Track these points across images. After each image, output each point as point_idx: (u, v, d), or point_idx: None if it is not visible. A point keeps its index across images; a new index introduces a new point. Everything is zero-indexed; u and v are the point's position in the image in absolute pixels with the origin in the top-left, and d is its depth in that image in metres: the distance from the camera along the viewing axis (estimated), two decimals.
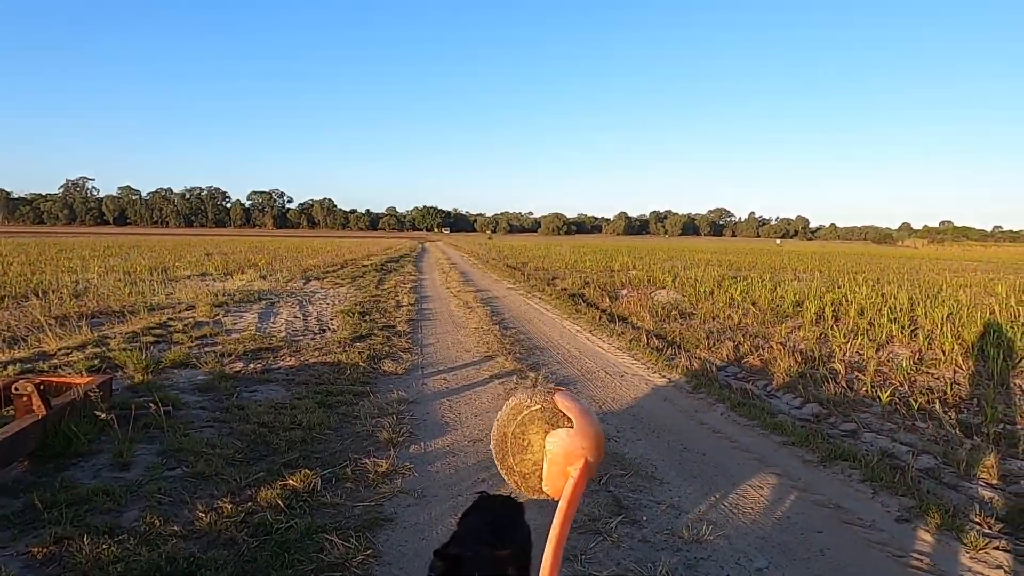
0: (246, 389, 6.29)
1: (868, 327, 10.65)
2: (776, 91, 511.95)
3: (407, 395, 6.28)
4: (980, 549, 3.42)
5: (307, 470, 4.14)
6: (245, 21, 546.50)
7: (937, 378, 7.50)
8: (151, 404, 4.84)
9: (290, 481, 3.98)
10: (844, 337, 9.70)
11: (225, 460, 4.30)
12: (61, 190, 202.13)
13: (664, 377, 7.47)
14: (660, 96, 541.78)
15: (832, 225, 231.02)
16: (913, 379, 7.39)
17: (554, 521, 1.43)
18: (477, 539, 2.21)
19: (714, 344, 9.49)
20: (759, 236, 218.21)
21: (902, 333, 9.94)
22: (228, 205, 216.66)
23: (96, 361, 6.93)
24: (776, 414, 6.00)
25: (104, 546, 3.10)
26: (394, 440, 4.91)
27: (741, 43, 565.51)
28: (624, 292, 17.28)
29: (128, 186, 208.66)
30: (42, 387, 4.33)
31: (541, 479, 1.55)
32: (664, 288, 17.82)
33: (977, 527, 3.66)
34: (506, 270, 25.73)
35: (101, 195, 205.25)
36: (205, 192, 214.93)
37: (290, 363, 7.50)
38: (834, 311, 12.42)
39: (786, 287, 16.75)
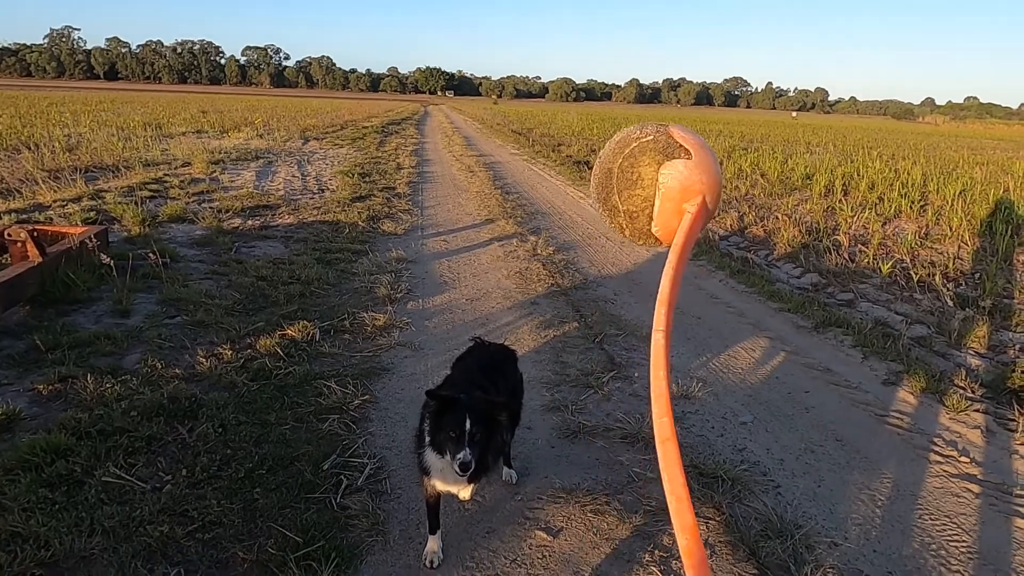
0: (244, 244, 6.26)
1: (877, 202, 10.43)
2: None
3: (406, 254, 6.26)
4: (961, 411, 3.51)
5: (305, 321, 4.18)
6: None
7: (941, 253, 7.43)
8: (149, 255, 4.81)
9: (289, 331, 4.03)
10: (852, 211, 9.52)
11: (224, 310, 4.34)
12: (46, 40, 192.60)
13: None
14: None
15: (852, 99, 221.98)
16: (916, 253, 7.32)
17: (667, 263, 1.31)
18: (469, 382, 2.24)
19: (718, 214, 9.34)
20: (775, 108, 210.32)
21: (911, 209, 9.75)
22: (223, 61, 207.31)
23: (92, 214, 6.86)
24: (775, 282, 6.00)
25: (108, 385, 3.18)
26: (392, 296, 4.94)
27: None
28: None
29: (116, 37, 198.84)
30: (36, 234, 4.28)
31: (651, 218, 1.43)
32: None
33: (961, 391, 3.74)
34: (511, 135, 24.98)
35: (88, 46, 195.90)
36: (198, 46, 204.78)
37: (288, 221, 7.43)
38: (844, 185, 12.12)
39: (797, 160, 16.27)
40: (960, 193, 10.87)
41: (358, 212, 7.93)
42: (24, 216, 6.68)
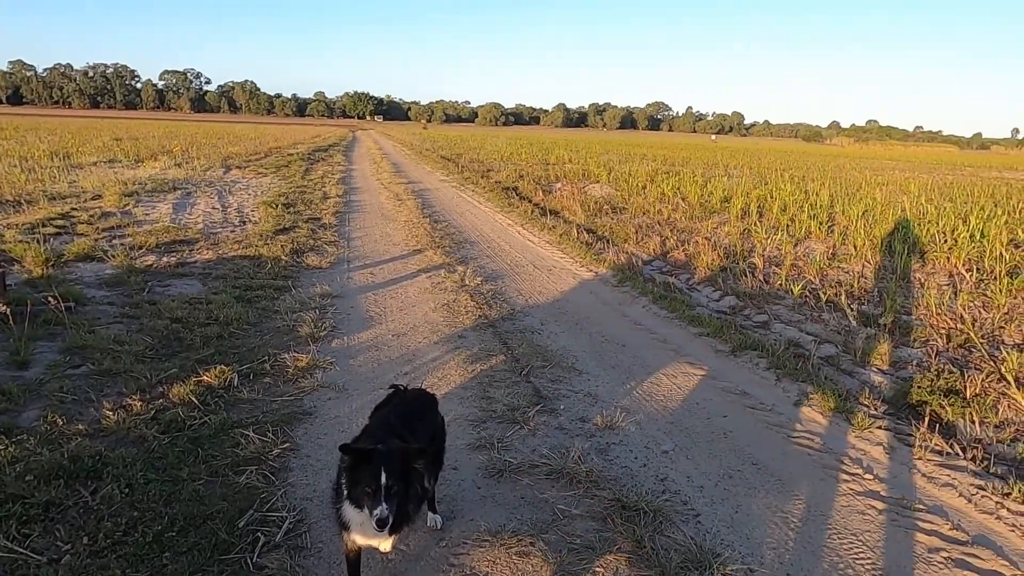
0: (159, 284, 5.99)
1: (789, 223, 11.02)
2: None
3: (331, 289, 6.15)
4: (865, 429, 3.72)
5: (223, 366, 4.03)
6: None
7: (847, 272, 7.90)
8: (50, 299, 4.53)
9: (204, 377, 3.87)
10: (766, 233, 10.02)
11: (134, 357, 4.13)
12: None
13: (591, 271, 7.57)
14: None
15: (766, 122, 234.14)
16: (825, 273, 7.75)
17: None
18: (388, 432, 2.21)
19: (642, 239, 9.63)
20: (695, 131, 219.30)
21: (820, 229, 10.34)
22: (139, 85, 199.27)
23: None
24: (695, 307, 6.21)
25: (0, 447, 2.96)
26: (316, 334, 4.83)
27: None
28: (558, 186, 17.16)
29: (20, 60, 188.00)
30: None
31: None
32: (598, 182, 17.79)
33: (865, 409, 3.97)
34: (440, 161, 25.04)
35: None
36: (111, 70, 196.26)
37: (207, 256, 7.17)
38: (759, 207, 12.75)
39: (716, 183, 16.99)
40: (863, 214, 11.60)
41: (281, 245, 7.74)
42: None
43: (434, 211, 11.73)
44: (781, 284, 7.12)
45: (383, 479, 1.91)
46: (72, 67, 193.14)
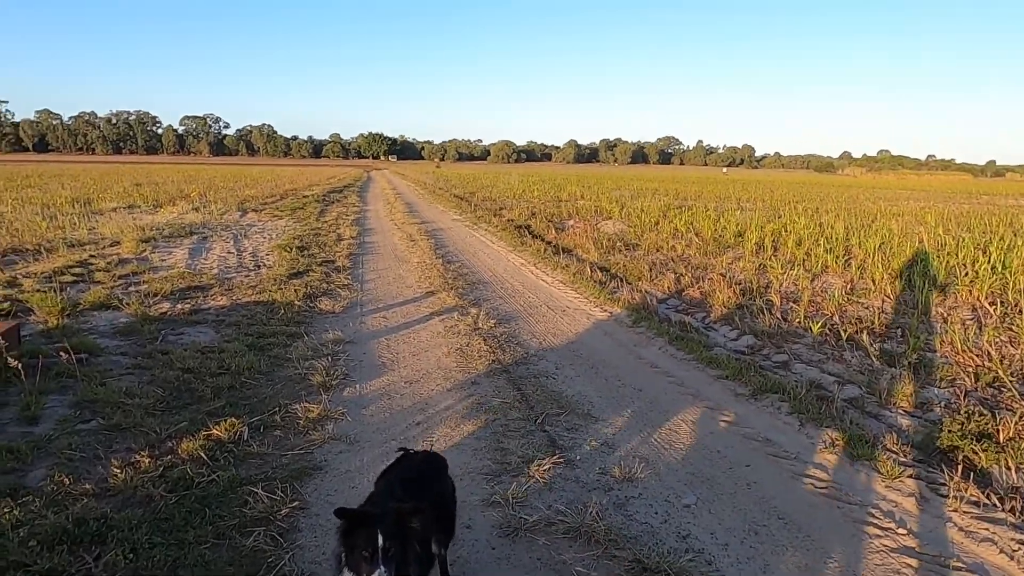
0: (172, 332, 5.99)
1: (805, 257, 10.91)
2: (724, 20, 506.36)
3: (343, 335, 6.11)
4: (895, 478, 3.56)
5: (233, 418, 3.97)
6: None
7: (866, 307, 7.76)
8: (61, 352, 4.53)
9: (214, 431, 3.81)
10: (782, 268, 9.90)
11: (144, 410, 4.08)
12: None
13: (606, 311, 7.49)
14: (611, 24, 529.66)
15: (776, 154, 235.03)
16: (844, 309, 7.61)
17: None
18: (392, 499, 2.13)
19: (656, 276, 9.55)
20: (707, 164, 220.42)
21: (836, 263, 10.22)
22: (160, 131, 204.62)
23: (6, 304, 6.46)
24: (712, 347, 6.09)
25: (5, 510, 2.91)
26: (327, 383, 4.77)
27: None
28: (571, 223, 17.20)
29: (47, 110, 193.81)
30: None
31: None
32: (611, 219, 17.82)
33: (893, 456, 3.81)
34: (453, 200, 25.26)
35: (17, 119, 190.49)
36: (133, 117, 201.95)
37: (221, 303, 7.18)
38: (773, 241, 12.66)
39: (729, 217, 16.94)
40: (880, 246, 11.47)
41: (295, 290, 7.75)
42: None
43: (447, 251, 11.75)
44: (799, 321, 6.98)
45: (379, 540, 1.84)
46: (96, 115, 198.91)
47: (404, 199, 26.52)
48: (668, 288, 8.87)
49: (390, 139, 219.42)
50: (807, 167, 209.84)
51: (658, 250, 12.24)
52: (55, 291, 6.79)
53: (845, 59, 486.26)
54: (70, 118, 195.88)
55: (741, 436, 4.14)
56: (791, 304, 7.74)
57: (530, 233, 14.71)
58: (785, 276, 9.43)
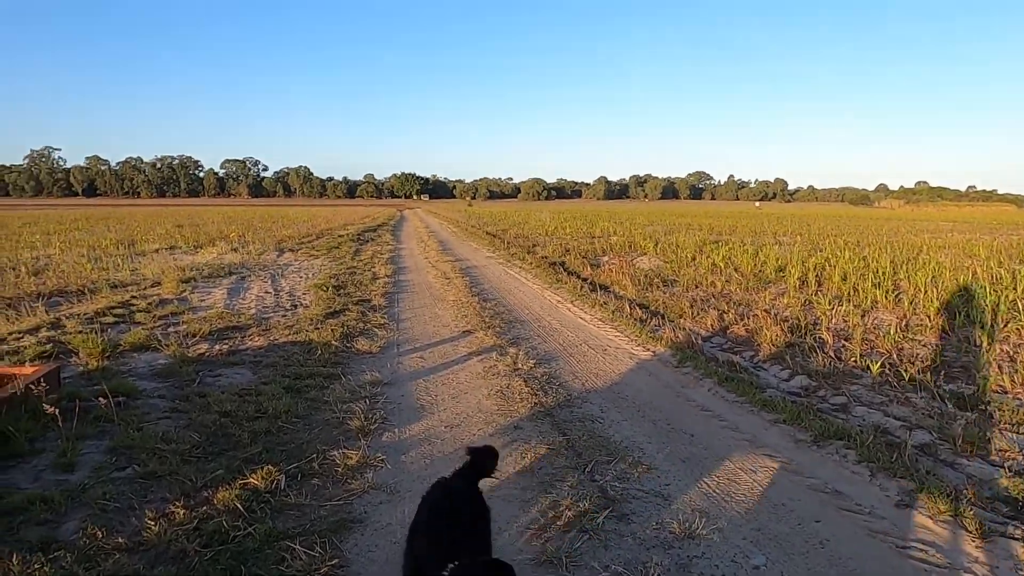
0: (210, 373, 5.93)
1: (852, 292, 10.52)
2: (753, 55, 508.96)
3: (381, 376, 5.97)
4: (986, 538, 3.23)
5: (270, 466, 3.83)
6: None
7: (924, 345, 7.36)
8: (100, 399, 4.47)
9: (251, 479, 3.67)
10: (829, 304, 9.54)
11: (180, 457, 3.97)
12: (26, 161, 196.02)
13: (648, 350, 7.23)
14: (639, 61, 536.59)
15: (810, 187, 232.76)
16: (901, 347, 7.24)
17: None
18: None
19: (698, 313, 9.27)
20: (738, 199, 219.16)
21: (886, 298, 9.81)
22: (201, 174, 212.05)
23: (48, 346, 6.51)
24: (765, 388, 5.79)
25: (36, 565, 2.78)
26: (366, 428, 4.61)
27: (719, 4, 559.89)
28: (605, 259, 17.02)
29: (96, 156, 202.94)
30: None
31: None
32: (646, 254, 17.60)
33: (980, 511, 3.48)
34: (485, 238, 25.32)
35: (68, 165, 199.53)
36: (177, 161, 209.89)
37: (258, 343, 7.14)
38: (817, 276, 12.28)
39: (768, 252, 16.58)
40: (931, 280, 11.02)
41: (331, 330, 7.68)
42: None
43: (482, 289, 11.64)
44: (855, 360, 6.64)
45: None
46: (142, 159, 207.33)
47: (437, 237, 26.69)
48: (712, 326, 8.58)
49: (422, 179, 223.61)
50: (842, 200, 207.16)
51: (697, 286, 11.96)
52: (97, 332, 6.83)
53: (879, 91, 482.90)
54: (117, 163, 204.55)
55: (807, 487, 3.84)
56: (843, 342, 7.39)
57: (565, 270, 14.56)
58: (833, 312, 9.07)
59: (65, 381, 5.37)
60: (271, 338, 7.39)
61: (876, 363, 6.18)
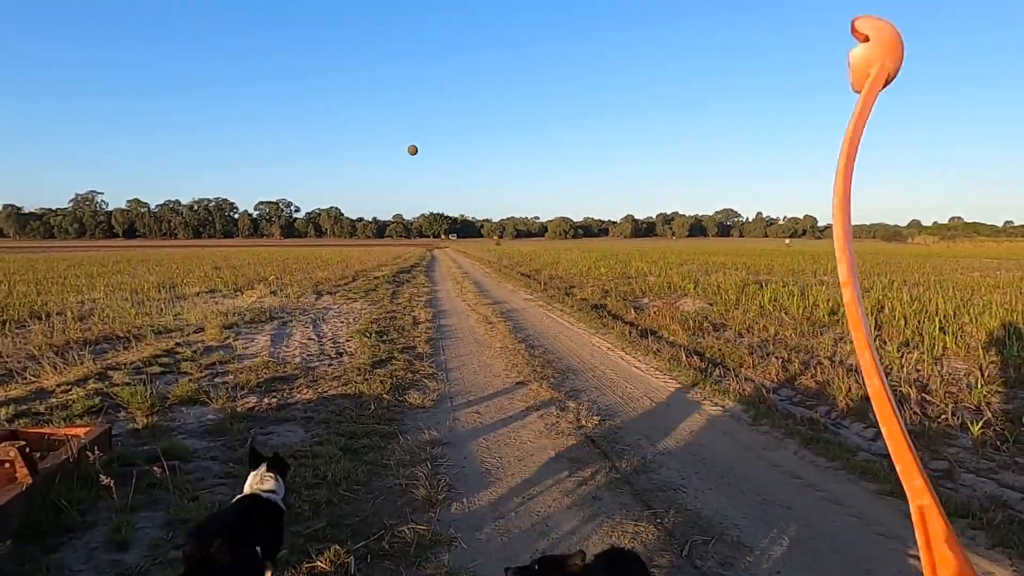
0: (261, 431, 5.68)
1: (916, 337, 9.96)
2: (780, 90, 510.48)
3: (439, 434, 5.65)
4: None
5: (336, 545, 3.51)
6: (245, 24, 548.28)
7: (1014, 398, 6.82)
8: (155, 468, 4.22)
9: (318, 563, 3.35)
10: (897, 351, 9.01)
11: None
12: (71, 204, 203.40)
13: (716, 405, 6.80)
14: (664, 98, 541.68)
15: None
16: (988, 401, 6.71)
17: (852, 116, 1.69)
18: None
19: (759, 361, 8.82)
20: (767, 236, 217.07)
21: (957, 345, 9.24)
22: (236, 216, 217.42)
23: (96, 400, 6.32)
24: (856, 451, 5.33)
25: None
26: (432, 497, 4.27)
27: (744, 43, 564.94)
28: (646, 301, 16.63)
29: (136, 199, 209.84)
30: (27, 449, 3.72)
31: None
32: (687, 295, 17.15)
33: None
34: (520, 279, 25.10)
35: (110, 208, 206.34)
36: (213, 203, 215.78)
37: (307, 396, 6.89)
38: (876, 321, 11.72)
39: (815, 293, 15.99)
40: (1003, 326, 10.41)
41: (380, 381, 7.42)
42: (23, 407, 6.18)
43: (527, 335, 11.33)
44: (945, 418, 6.13)
45: None
46: (180, 202, 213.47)
47: (471, 278, 26.55)
48: (776, 376, 8.12)
49: (450, 218, 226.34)
50: (873, 236, 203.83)
51: (748, 331, 11.49)
52: (144, 384, 6.66)
53: (909, 125, 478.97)
54: (156, 206, 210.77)
55: None
56: (923, 394, 6.88)
57: (608, 313, 14.19)
58: (903, 360, 8.54)
59: (115, 440, 5.16)
60: (320, 390, 7.13)
61: (976, 423, 5.68)
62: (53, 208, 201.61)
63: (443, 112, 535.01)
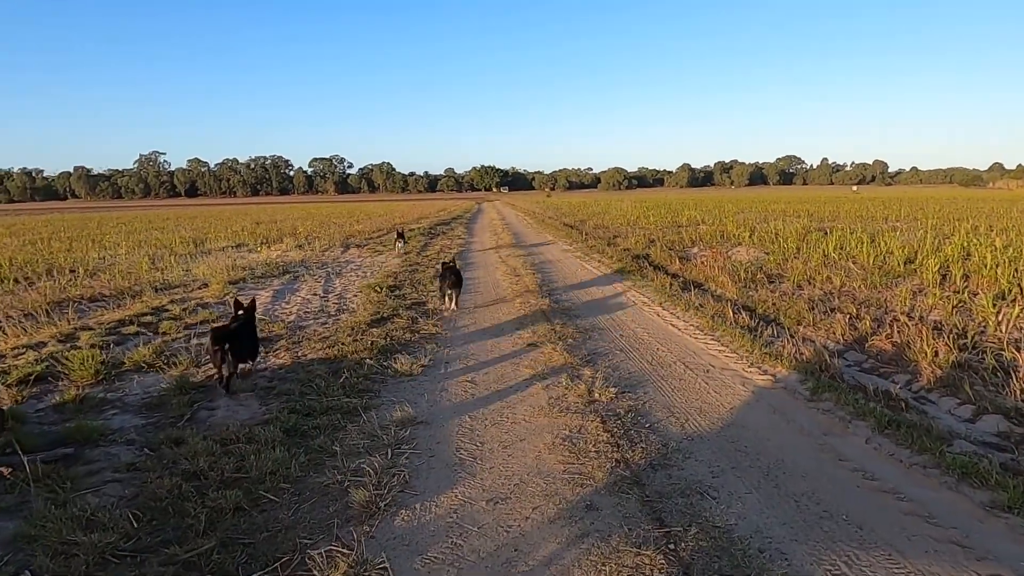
0: (208, 404, 4.79)
1: (1013, 289, 8.34)
2: (846, 28, 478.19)
3: (415, 412, 4.63)
4: None
5: None
6: None
7: None
8: (2, 468, 3.34)
9: None
10: (992, 304, 7.46)
11: (99, 555, 2.75)
12: (136, 165, 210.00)
13: (766, 373, 5.54)
14: (722, 40, 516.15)
15: (913, 169, 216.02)
16: None
17: None
18: None
19: (820, 318, 7.44)
20: (832, 184, 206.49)
21: None
22: (291, 173, 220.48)
23: (41, 367, 5.55)
24: (950, 438, 4.04)
25: None
26: (374, 503, 3.26)
27: None
28: (695, 251, 15.15)
29: (197, 158, 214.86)
30: None
31: None
32: (741, 244, 15.57)
33: None
34: (562, 229, 23.75)
35: (172, 168, 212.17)
36: (269, 161, 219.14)
37: (282, 361, 5.98)
38: (963, 271, 10.03)
39: (887, 240, 14.17)
40: None
41: (372, 341, 6.47)
42: None
43: (554, 287, 10.18)
44: None
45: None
46: (238, 160, 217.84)
47: (511, 229, 25.37)
48: (842, 335, 6.76)
49: (501, 171, 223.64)
50: (950, 181, 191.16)
51: (809, 282, 10.02)
52: (100, 349, 5.87)
53: (988, 61, 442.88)
54: (216, 165, 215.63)
55: None
56: None
57: (650, 264, 12.84)
58: (1003, 318, 7.01)
59: (33, 415, 4.36)
60: (299, 353, 6.22)
61: None
62: (120, 169, 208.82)
63: (496, 65, 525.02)
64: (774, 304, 8.39)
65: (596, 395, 4.91)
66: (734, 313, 7.77)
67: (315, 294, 9.64)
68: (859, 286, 9.50)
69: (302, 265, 13.28)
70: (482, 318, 8.00)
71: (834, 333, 6.91)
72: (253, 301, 5.81)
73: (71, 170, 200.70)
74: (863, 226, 19.93)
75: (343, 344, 6.42)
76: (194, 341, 6.63)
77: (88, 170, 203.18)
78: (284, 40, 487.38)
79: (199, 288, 10.15)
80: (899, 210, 30.35)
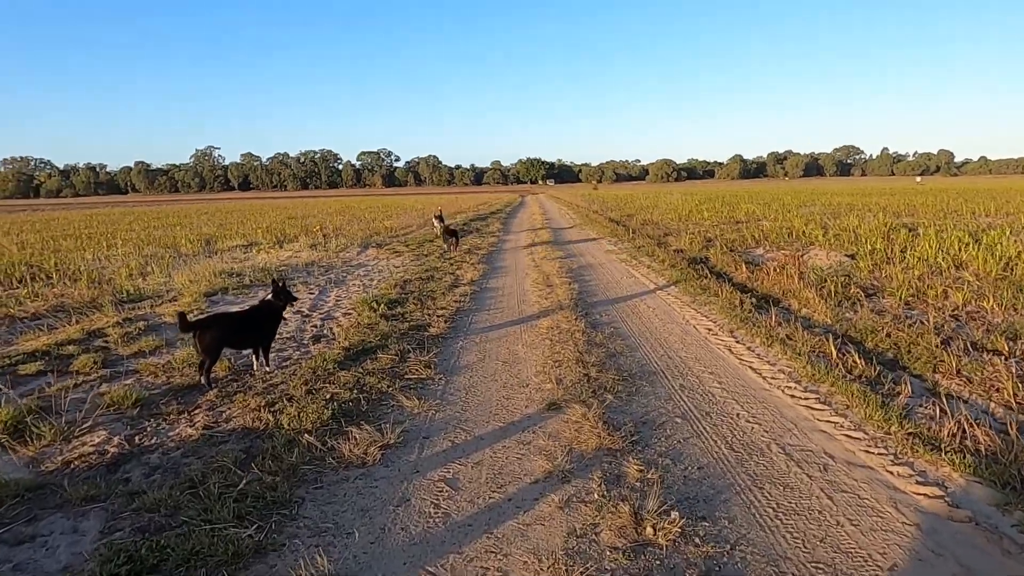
0: (25, 522, 3.01)
1: None
2: (909, 13, 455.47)
3: (334, 567, 2.73)
4: None
5: None
6: None
7: None
8: None
9: None
10: None
11: None
12: (192, 160, 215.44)
13: (926, 480, 3.43)
14: (775, 28, 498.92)
15: (982, 159, 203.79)
16: None
17: None
18: None
19: (963, 360, 5.26)
20: (893, 174, 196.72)
21: None
22: (340, 167, 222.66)
23: None
24: None
25: None
26: None
27: None
28: (761, 252, 12.88)
29: (250, 153, 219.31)
30: None
31: None
32: (815, 245, 13.22)
33: None
34: (608, 225, 21.54)
35: (226, 162, 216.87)
36: (318, 155, 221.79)
37: (185, 433, 4.16)
38: None
39: (1002, 242, 11.59)
40: None
41: (331, 395, 4.64)
42: None
43: (594, 303, 8.19)
44: None
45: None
46: (289, 155, 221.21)
47: (552, 225, 23.35)
48: (1013, 394, 4.58)
49: (547, 163, 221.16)
50: (1023, 171, 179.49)
51: (919, 298, 7.79)
52: None
53: None
54: (268, 159, 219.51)
55: None
56: None
57: (709, 270, 10.65)
58: None
59: None
60: (221, 417, 4.41)
61: None
62: (177, 164, 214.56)
63: (544, 58, 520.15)
64: (888, 335, 6.20)
65: (647, 528, 2.92)
66: (838, 351, 5.64)
67: (297, 312, 7.87)
68: (991, 307, 7.22)
69: (305, 270, 11.61)
70: (495, 352, 6.07)
71: (998, 389, 4.74)
72: (283, 285, 5.66)
73: (131, 165, 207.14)
74: (952, 222, 17.21)
75: (288, 401, 4.59)
76: (93, 392, 4.91)
77: (147, 165, 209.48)
78: (332, 39, 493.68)
79: (168, 302, 8.53)
80: (984, 204, 26.99)
